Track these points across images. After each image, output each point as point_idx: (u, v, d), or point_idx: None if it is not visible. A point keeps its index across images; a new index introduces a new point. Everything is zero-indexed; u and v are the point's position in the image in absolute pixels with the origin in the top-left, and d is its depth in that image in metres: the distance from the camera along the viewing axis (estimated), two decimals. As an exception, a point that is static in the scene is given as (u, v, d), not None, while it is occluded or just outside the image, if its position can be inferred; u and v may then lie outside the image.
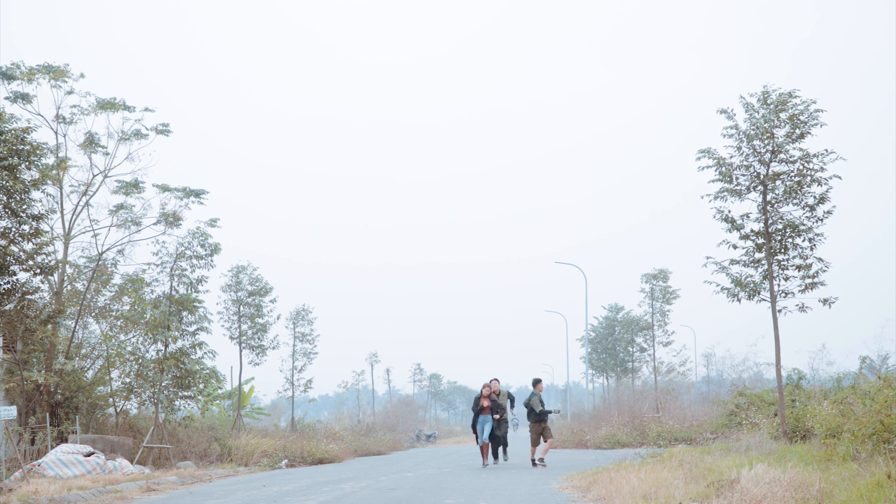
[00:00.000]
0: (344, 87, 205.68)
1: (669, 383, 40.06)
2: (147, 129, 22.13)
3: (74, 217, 21.79)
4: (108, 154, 22.05)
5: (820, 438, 14.26)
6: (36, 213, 16.29)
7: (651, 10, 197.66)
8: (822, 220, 16.74)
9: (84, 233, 22.37)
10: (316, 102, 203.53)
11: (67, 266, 22.11)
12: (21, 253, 16.29)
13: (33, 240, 16.43)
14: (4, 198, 15.47)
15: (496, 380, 19.30)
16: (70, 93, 21.32)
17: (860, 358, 24.37)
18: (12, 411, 15.01)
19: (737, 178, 17.21)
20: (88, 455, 16.96)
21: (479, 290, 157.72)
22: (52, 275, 18.81)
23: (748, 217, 17.34)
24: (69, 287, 22.71)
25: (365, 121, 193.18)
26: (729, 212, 17.45)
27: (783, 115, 16.61)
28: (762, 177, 16.97)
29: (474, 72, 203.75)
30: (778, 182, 16.86)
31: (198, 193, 22.63)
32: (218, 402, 31.06)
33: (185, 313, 21.03)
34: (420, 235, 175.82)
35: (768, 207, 17.05)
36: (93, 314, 23.29)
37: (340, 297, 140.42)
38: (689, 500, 9.54)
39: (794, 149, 16.72)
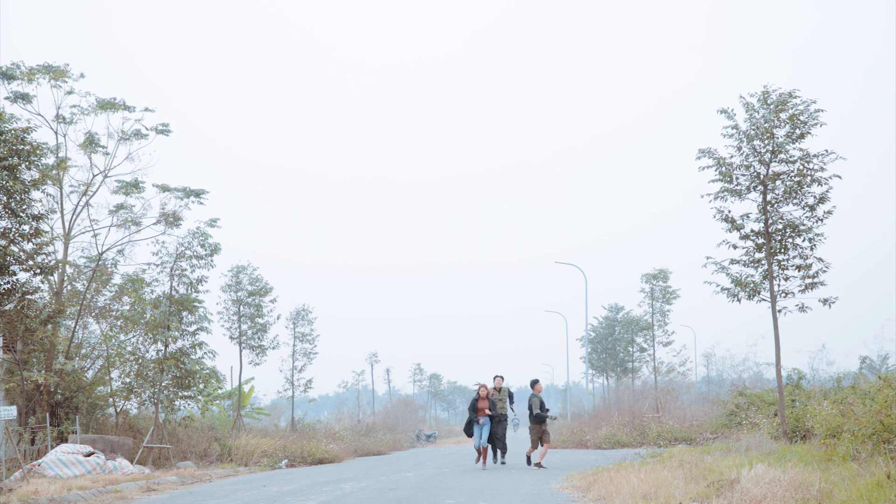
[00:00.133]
0: (344, 87, 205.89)
1: (669, 383, 40.06)
2: (147, 129, 22.14)
3: (74, 217, 21.80)
4: (108, 154, 22.06)
5: (820, 438, 14.26)
6: (36, 213, 16.29)
7: (651, 10, 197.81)
8: (822, 220, 16.75)
9: (84, 233, 22.38)
10: (316, 102, 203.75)
11: (67, 266, 22.11)
12: (21, 253, 16.29)
13: (33, 240, 16.43)
14: (4, 198, 15.47)
15: (500, 377, 19.03)
16: (70, 93, 21.32)
17: (860, 358, 24.40)
18: (12, 411, 15.01)
19: (737, 178, 17.22)
20: (88, 455, 16.95)
21: (479, 290, 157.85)
22: (52, 275, 18.81)
23: (748, 217, 17.34)
24: (69, 287, 22.71)
25: (365, 121, 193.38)
26: (729, 212, 17.46)
27: (783, 115, 16.62)
28: (762, 177, 16.98)
29: (474, 72, 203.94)
30: (778, 182, 16.86)
31: (198, 193, 22.63)
32: (218, 402, 31.06)
33: (185, 313, 21.03)
34: (420, 235, 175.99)
35: (768, 207, 17.05)
36: (93, 314, 23.29)
37: (340, 297, 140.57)
38: (689, 500, 9.54)
39: (794, 149, 16.73)
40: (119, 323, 23.08)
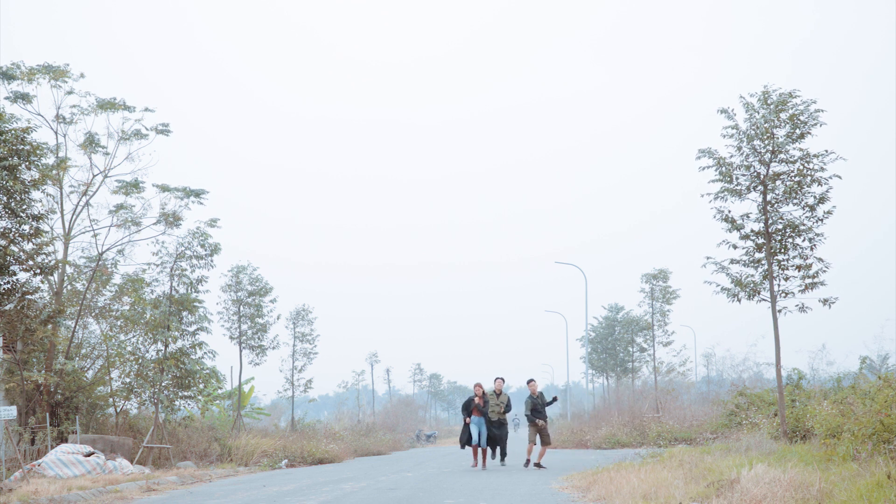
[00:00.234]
0: (344, 87, 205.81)
1: (669, 383, 40.06)
2: (147, 129, 22.14)
3: (74, 217, 21.80)
4: (108, 154, 22.06)
5: (820, 438, 14.26)
6: (36, 213, 16.29)
7: (651, 10, 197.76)
8: (822, 220, 16.75)
9: (84, 233, 22.38)
10: (316, 102, 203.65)
11: (67, 266, 22.11)
12: (21, 253, 16.29)
13: (33, 240, 16.43)
14: (4, 198, 15.47)
15: (501, 378, 18.86)
16: (70, 93, 21.32)
17: (860, 358, 24.38)
18: (12, 411, 15.01)
19: (737, 178, 17.22)
20: (88, 455, 16.96)
21: (479, 290, 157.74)
22: (52, 275, 18.81)
23: (748, 217, 17.35)
24: (69, 287, 22.71)
25: (365, 121, 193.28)
26: (729, 212, 17.46)
27: (783, 115, 16.62)
28: (762, 177, 16.98)
29: (474, 72, 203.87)
30: (778, 182, 16.87)
31: (198, 193, 22.63)
32: (218, 402, 31.06)
33: (185, 313, 21.03)
34: (420, 235, 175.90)
35: (768, 207, 17.05)
36: (93, 314, 23.29)
37: (340, 297, 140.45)
38: (689, 500, 9.54)
39: (794, 149, 16.73)
40: (119, 323, 23.08)
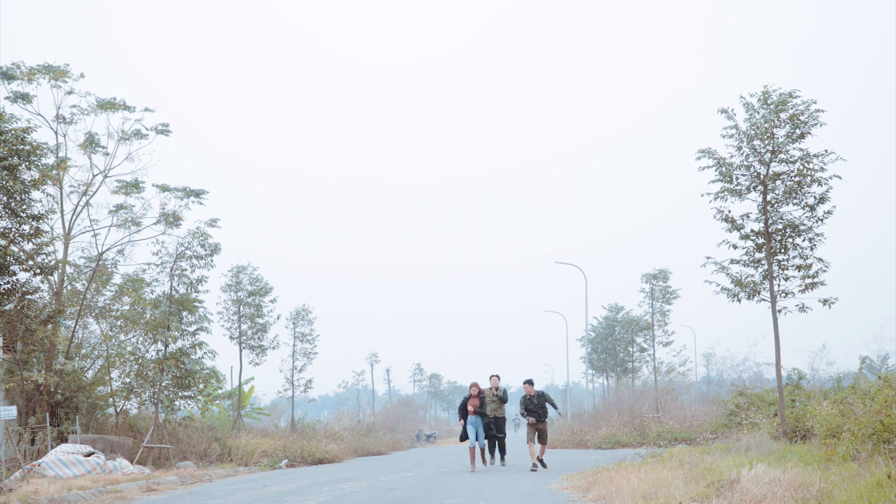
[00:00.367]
0: (344, 87, 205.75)
1: (669, 383, 40.06)
2: (147, 129, 22.15)
3: (74, 217, 21.80)
4: (108, 154, 22.07)
5: (820, 438, 14.26)
6: (36, 213, 16.29)
7: (651, 10, 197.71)
8: (822, 220, 16.75)
9: (84, 233, 22.39)
10: (316, 102, 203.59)
11: (67, 266, 22.11)
12: (21, 253, 16.29)
13: (33, 240, 16.43)
14: (4, 198, 15.47)
15: (496, 376, 18.60)
16: (70, 93, 21.33)
17: (860, 358, 24.37)
18: (12, 411, 15.01)
19: (737, 178, 17.22)
20: (88, 455, 16.96)
21: (479, 290, 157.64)
22: (52, 275, 18.81)
23: (748, 217, 17.34)
24: (69, 287, 22.72)
25: (365, 121, 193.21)
26: (729, 212, 17.46)
27: (783, 116, 16.62)
28: (762, 177, 16.98)
29: (474, 72, 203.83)
30: (778, 182, 16.87)
31: (198, 193, 22.64)
32: (218, 402, 31.06)
33: (185, 313, 21.04)
34: (420, 235, 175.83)
35: (768, 207, 17.05)
36: (93, 314, 23.30)
37: (340, 297, 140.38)
38: (689, 500, 9.54)
39: (794, 149, 16.73)
40: (119, 323, 23.08)
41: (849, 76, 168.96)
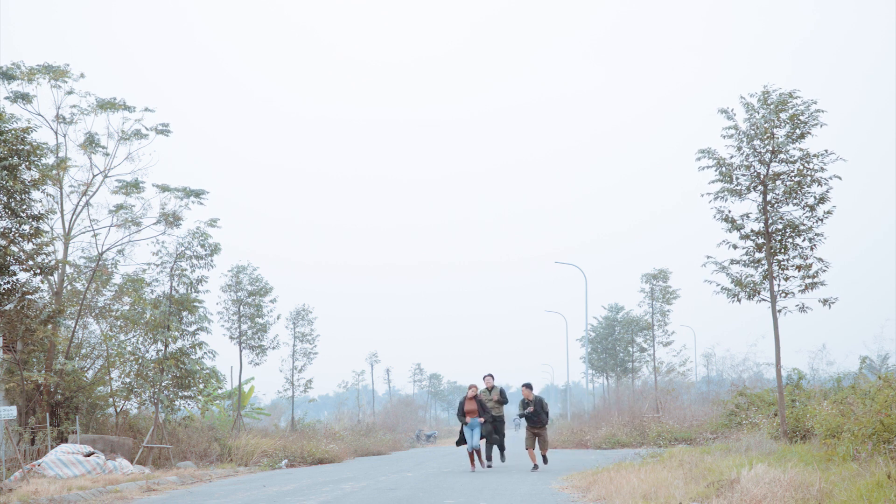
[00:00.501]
0: (344, 87, 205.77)
1: (669, 383, 40.05)
2: (147, 129, 22.14)
3: (74, 217, 21.80)
4: (108, 154, 22.06)
5: (820, 438, 14.26)
6: (36, 213, 16.29)
7: (651, 10, 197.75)
8: (822, 220, 16.75)
9: (84, 233, 22.39)
10: (316, 102, 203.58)
11: (67, 266, 22.11)
12: (21, 253, 16.29)
13: (33, 240, 16.43)
14: (4, 198, 15.47)
15: (490, 375, 18.28)
16: (70, 93, 21.32)
17: (860, 358, 24.39)
18: (12, 411, 15.01)
19: (737, 178, 17.22)
20: (88, 455, 16.96)
21: (479, 290, 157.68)
22: (52, 275, 18.81)
23: (748, 217, 17.34)
24: (69, 287, 22.72)
25: (365, 121, 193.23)
26: (729, 212, 17.46)
27: (783, 116, 16.62)
28: (762, 177, 16.98)
29: (474, 72, 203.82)
30: (778, 182, 16.87)
31: (198, 193, 22.64)
32: (218, 402, 31.05)
33: (185, 313, 21.03)
34: (420, 235, 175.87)
35: (768, 207, 17.05)
36: (93, 314, 23.29)
37: (340, 297, 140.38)
38: (689, 500, 9.54)
39: (794, 149, 16.73)
40: (119, 323, 23.08)
41: (849, 76, 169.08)
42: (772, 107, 16.67)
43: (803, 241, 16.88)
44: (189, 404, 21.97)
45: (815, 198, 16.70)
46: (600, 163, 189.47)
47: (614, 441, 27.78)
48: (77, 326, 22.00)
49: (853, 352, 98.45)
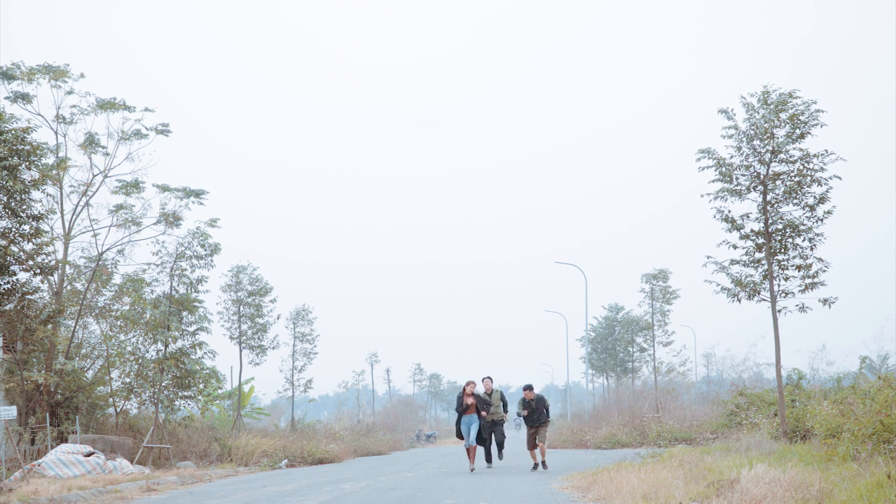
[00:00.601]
0: (344, 87, 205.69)
1: (669, 383, 40.05)
2: (147, 129, 22.15)
3: (74, 217, 21.80)
4: (108, 154, 22.06)
5: (820, 438, 14.26)
6: (36, 213, 16.29)
7: (651, 10, 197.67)
8: (822, 220, 16.75)
9: (84, 233, 22.39)
10: (316, 102, 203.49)
11: (67, 266, 22.11)
12: (21, 253, 16.29)
13: (33, 240, 16.43)
14: (4, 198, 15.47)
15: (489, 378, 18.05)
16: (70, 93, 21.32)
17: (860, 358, 24.39)
18: (12, 411, 15.01)
19: (737, 178, 17.22)
20: (88, 455, 16.96)
21: (479, 290, 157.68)
22: (52, 275, 18.81)
23: (748, 217, 17.34)
24: (69, 287, 22.72)
25: (365, 121, 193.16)
26: (729, 212, 17.46)
27: (783, 116, 16.62)
28: (762, 177, 16.98)
29: (474, 72, 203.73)
30: (778, 182, 16.87)
31: (198, 193, 22.64)
32: (218, 402, 31.06)
33: (185, 313, 21.04)
34: (420, 235, 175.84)
35: (768, 207, 17.05)
36: (93, 314, 23.30)
37: (340, 297, 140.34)
38: (689, 500, 9.54)
39: (794, 149, 16.73)
40: (119, 323, 23.08)
41: (849, 76, 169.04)
42: (772, 107, 16.67)
43: (803, 241, 16.88)
44: (189, 404, 21.98)
45: (815, 198, 16.70)
46: (600, 163, 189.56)
47: (614, 441, 27.78)
48: (77, 326, 22.01)
49: (853, 352, 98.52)
